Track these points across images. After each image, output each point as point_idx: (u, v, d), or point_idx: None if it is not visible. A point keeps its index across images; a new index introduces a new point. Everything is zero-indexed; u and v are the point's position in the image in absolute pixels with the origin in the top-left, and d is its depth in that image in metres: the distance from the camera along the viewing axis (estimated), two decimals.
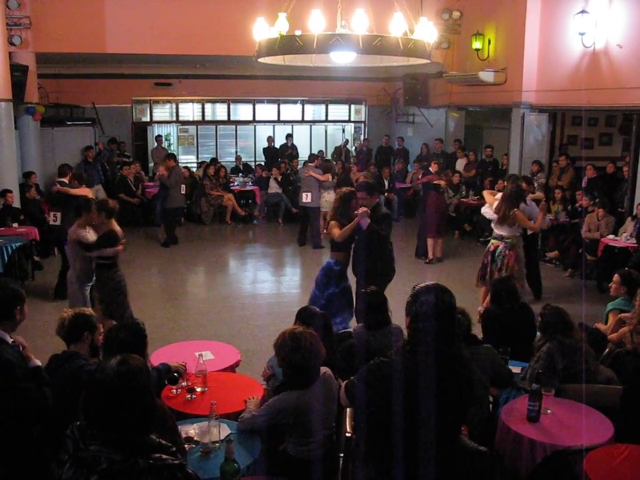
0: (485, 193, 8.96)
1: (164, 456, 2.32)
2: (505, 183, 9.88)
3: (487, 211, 8.45)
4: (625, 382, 4.73)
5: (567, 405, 4.44)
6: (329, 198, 12.30)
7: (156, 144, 16.75)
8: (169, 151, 17.16)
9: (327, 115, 19.50)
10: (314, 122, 19.54)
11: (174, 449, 2.46)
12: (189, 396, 4.49)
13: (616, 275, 6.32)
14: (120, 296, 6.93)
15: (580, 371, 4.68)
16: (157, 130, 17.79)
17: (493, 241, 8.33)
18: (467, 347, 4.66)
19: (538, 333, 5.28)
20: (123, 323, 4.12)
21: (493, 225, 8.35)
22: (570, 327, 4.89)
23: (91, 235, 7.02)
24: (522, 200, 8.26)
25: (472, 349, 4.67)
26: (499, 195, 8.50)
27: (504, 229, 8.15)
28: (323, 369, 4.04)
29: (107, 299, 6.92)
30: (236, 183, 15.59)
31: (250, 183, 15.55)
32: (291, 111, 19.14)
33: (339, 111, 19.61)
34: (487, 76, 12.87)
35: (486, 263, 8.29)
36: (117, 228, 7.03)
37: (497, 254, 8.17)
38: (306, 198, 12.46)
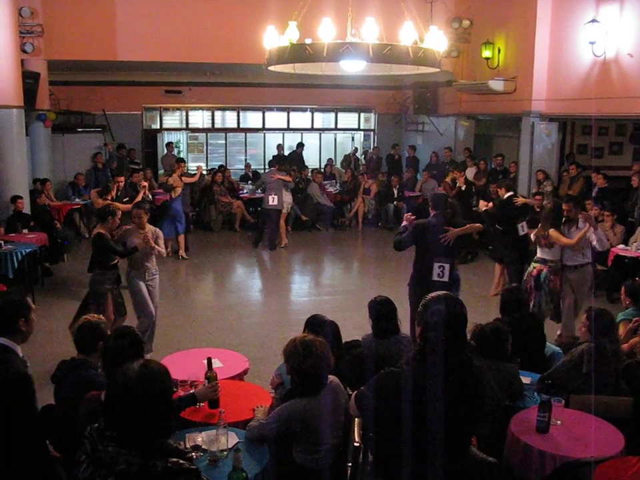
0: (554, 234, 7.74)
1: (181, 460, 2.34)
2: (500, 190, 9.87)
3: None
4: (636, 393, 4.70)
5: (576, 416, 4.40)
6: (288, 200, 13.41)
7: (166, 151, 16.81)
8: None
9: (336, 123, 19.52)
10: (323, 130, 19.58)
11: (192, 453, 2.47)
12: (197, 404, 4.47)
13: (623, 288, 6.34)
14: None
15: (609, 383, 4.68)
16: (167, 137, 17.86)
17: (534, 264, 7.77)
18: (493, 361, 4.65)
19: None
20: (121, 330, 4.10)
21: (538, 248, 7.79)
22: (612, 330, 4.92)
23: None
24: (560, 219, 7.56)
25: (496, 364, 4.65)
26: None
27: (546, 252, 7.57)
28: (330, 378, 4.03)
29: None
30: (245, 191, 15.62)
31: (259, 191, 15.57)
32: (300, 119, 19.19)
33: (348, 119, 19.64)
34: (496, 85, 12.86)
35: (530, 288, 7.69)
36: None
37: (542, 279, 7.60)
38: (272, 201, 12.79)
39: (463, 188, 12.20)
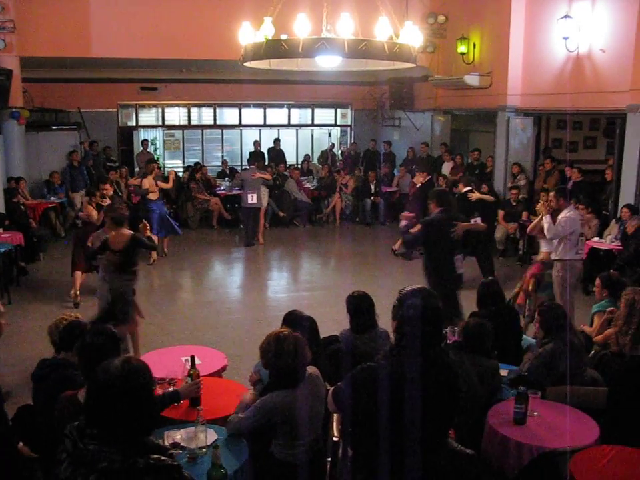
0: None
1: (162, 457, 2.34)
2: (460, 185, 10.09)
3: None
4: (611, 384, 4.77)
5: (553, 407, 4.45)
6: (265, 196, 13.58)
7: (141, 148, 16.70)
8: (155, 156, 17.14)
9: (313, 119, 19.49)
10: (300, 126, 19.54)
11: (171, 451, 2.47)
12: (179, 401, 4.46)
13: (597, 280, 6.40)
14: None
15: (577, 374, 4.73)
16: (143, 134, 17.72)
17: None
18: (475, 357, 4.68)
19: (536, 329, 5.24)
20: (97, 327, 4.06)
21: None
22: (570, 324, 4.98)
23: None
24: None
25: (479, 360, 4.68)
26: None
27: (541, 245, 7.87)
28: (310, 369, 4.03)
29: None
30: (222, 188, 15.56)
31: (237, 188, 15.51)
32: (277, 115, 19.13)
33: (325, 115, 19.62)
34: (472, 80, 12.94)
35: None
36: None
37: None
38: (252, 199, 12.76)
39: (418, 185, 12.26)
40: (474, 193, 9.84)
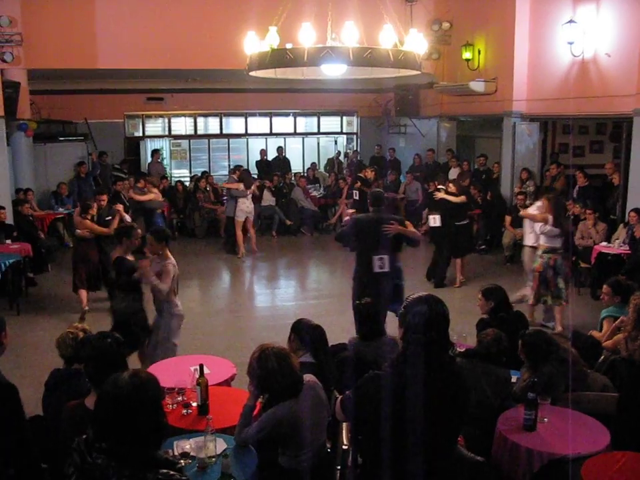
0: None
1: (171, 472, 2.33)
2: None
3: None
4: (621, 389, 4.74)
5: (563, 413, 4.43)
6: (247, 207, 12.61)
7: (151, 159, 16.74)
8: (164, 165, 17.20)
9: (319, 127, 19.52)
10: (306, 134, 19.57)
11: (181, 461, 2.46)
12: (184, 411, 4.47)
13: (605, 286, 6.33)
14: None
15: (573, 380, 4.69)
16: (150, 144, 17.78)
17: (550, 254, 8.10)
18: (487, 365, 4.66)
19: None
20: (101, 333, 4.02)
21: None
22: (555, 342, 4.91)
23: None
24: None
25: (491, 369, 4.66)
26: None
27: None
28: (306, 377, 4.03)
29: None
30: None
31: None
32: (283, 124, 19.17)
33: (330, 123, 19.65)
34: (477, 86, 12.95)
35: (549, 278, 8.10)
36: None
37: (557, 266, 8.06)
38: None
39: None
40: (440, 192, 10.29)
